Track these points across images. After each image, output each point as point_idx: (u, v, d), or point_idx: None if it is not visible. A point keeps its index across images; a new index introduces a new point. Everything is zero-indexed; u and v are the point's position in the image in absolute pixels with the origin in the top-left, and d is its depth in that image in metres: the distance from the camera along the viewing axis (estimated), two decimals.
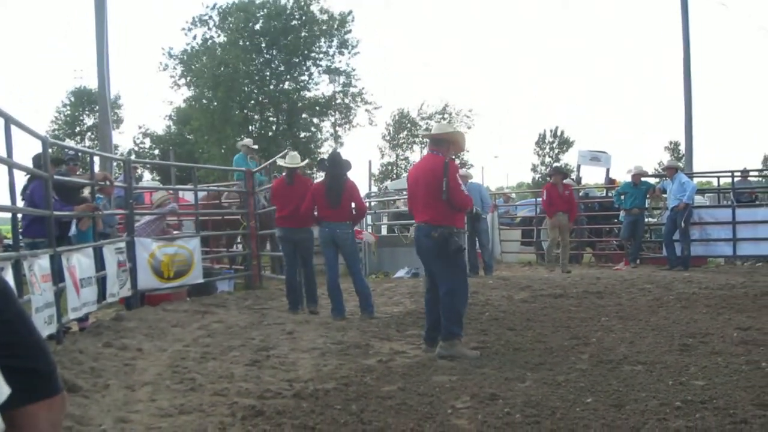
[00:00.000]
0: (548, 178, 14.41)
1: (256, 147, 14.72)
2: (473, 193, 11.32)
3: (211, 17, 35.80)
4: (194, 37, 35.53)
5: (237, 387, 5.05)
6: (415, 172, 6.54)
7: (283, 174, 9.42)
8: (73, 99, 46.23)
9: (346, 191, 8.53)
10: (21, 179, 7.49)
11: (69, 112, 46.44)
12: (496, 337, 6.87)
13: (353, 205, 8.65)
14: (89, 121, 44.95)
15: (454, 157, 6.65)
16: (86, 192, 8.44)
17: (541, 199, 14.57)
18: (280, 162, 9.41)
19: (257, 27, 34.95)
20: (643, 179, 14.19)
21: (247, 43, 34.82)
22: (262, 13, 34.91)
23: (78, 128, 46.40)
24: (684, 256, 13.11)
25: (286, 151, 12.35)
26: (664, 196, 13.89)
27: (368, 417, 4.23)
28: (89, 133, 44.76)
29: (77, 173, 8.76)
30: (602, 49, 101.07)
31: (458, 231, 6.31)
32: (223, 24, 35.35)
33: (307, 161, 9.30)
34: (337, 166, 8.63)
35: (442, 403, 4.54)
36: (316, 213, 8.72)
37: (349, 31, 36.47)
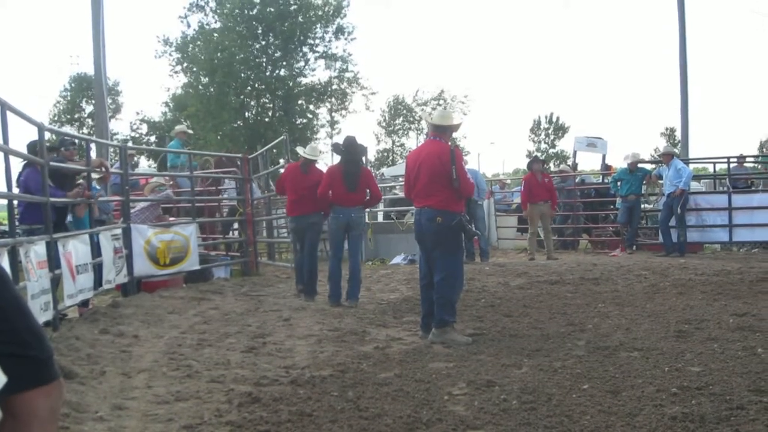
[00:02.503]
0: (528, 169, 14.32)
1: (191, 132, 15.72)
2: None
3: (207, 3, 35.64)
4: (188, 25, 35.38)
5: (233, 374, 5.05)
6: (416, 157, 6.51)
7: (290, 161, 9.43)
8: (73, 85, 45.87)
9: (363, 176, 8.52)
10: (17, 166, 7.47)
11: (69, 98, 46.12)
12: (492, 323, 6.89)
13: (367, 190, 8.63)
14: (89, 107, 44.65)
15: (456, 145, 6.70)
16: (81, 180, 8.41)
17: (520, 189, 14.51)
18: (300, 152, 9.44)
19: (253, 13, 34.73)
20: (639, 165, 14.15)
21: (244, 29, 34.61)
22: None
23: (78, 114, 46.12)
24: (680, 243, 13.12)
25: (282, 138, 12.35)
26: (660, 182, 13.89)
27: (365, 404, 4.24)
28: (88, 120, 44.45)
29: (74, 158, 8.73)
30: (598, 35, 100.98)
31: (464, 217, 6.33)
32: (221, 10, 35.12)
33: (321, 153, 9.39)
34: (353, 150, 8.60)
35: (439, 389, 4.55)
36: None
37: (345, 16, 36.30)
